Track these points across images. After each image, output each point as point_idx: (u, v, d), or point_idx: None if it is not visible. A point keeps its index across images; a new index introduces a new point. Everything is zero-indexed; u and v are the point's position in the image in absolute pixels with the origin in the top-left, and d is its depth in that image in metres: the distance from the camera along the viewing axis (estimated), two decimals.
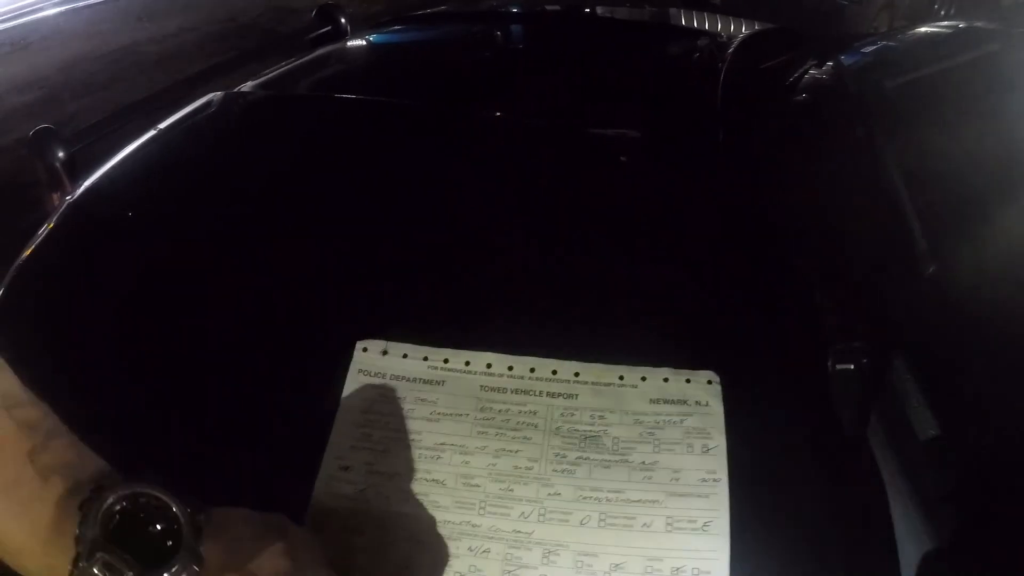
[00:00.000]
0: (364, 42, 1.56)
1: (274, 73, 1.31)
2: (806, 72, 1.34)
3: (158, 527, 0.47)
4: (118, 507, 0.46)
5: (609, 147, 0.98)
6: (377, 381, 0.68)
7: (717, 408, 0.66)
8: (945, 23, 1.71)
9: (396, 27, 1.69)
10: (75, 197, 0.95)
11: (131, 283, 0.81)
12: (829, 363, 0.72)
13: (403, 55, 1.57)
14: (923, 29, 1.72)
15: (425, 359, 0.70)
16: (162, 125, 1.07)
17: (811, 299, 0.79)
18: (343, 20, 1.59)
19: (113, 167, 0.99)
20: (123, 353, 0.74)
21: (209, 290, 0.80)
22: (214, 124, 1.11)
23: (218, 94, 1.15)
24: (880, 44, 1.72)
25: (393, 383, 0.68)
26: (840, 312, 0.78)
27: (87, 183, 0.97)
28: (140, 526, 0.47)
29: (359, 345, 0.71)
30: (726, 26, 1.71)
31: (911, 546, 0.64)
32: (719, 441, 0.64)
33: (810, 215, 0.91)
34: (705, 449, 0.64)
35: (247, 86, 1.23)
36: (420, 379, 0.68)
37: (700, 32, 1.68)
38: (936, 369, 0.73)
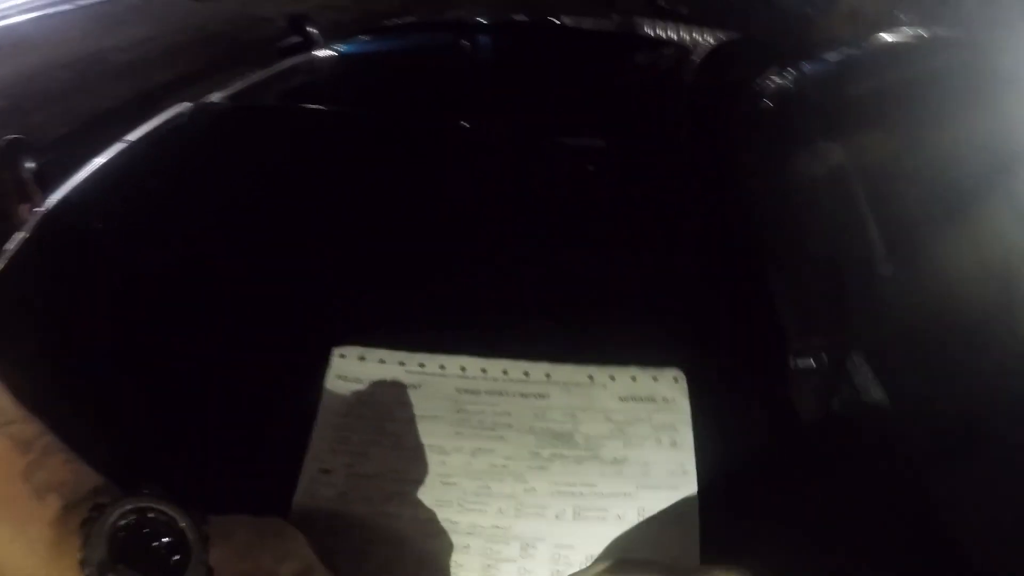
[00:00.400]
0: (334, 53, 1.57)
1: (243, 84, 1.30)
2: (770, 80, 1.37)
3: (163, 540, 0.45)
4: (122, 523, 0.45)
5: (576, 156, 1.01)
6: (355, 386, 0.70)
7: (683, 404, 0.68)
8: (908, 31, 1.76)
9: (365, 38, 1.70)
10: (47, 208, 0.95)
11: (106, 295, 0.82)
12: (789, 359, 0.75)
13: (373, 66, 1.57)
14: (886, 38, 1.76)
15: (401, 364, 0.72)
16: (132, 137, 1.07)
17: (772, 298, 0.82)
18: (313, 30, 1.60)
19: (85, 179, 0.99)
20: (99, 364, 0.75)
21: (185, 300, 0.82)
22: (184, 135, 1.11)
23: (187, 105, 1.15)
24: (843, 53, 1.75)
25: (370, 388, 0.70)
26: (800, 310, 0.81)
27: (59, 194, 0.97)
28: (145, 541, 0.45)
29: (336, 351, 0.73)
30: (692, 36, 1.74)
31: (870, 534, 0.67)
32: (686, 436, 0.67)
33: (773, 218, 0.94)
34: (673, 444, 0.66)
35: (216, 97, 1.23)
36: (397, 383, 0.70)
37: (666, 42, 1.71)
38: (894, 366, 0.76)
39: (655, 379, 0.70)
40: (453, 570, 0.61)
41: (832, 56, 1.61)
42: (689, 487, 0.64)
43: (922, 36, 1.74)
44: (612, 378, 0.70)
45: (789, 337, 0.77)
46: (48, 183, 1.04)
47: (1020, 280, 0.91)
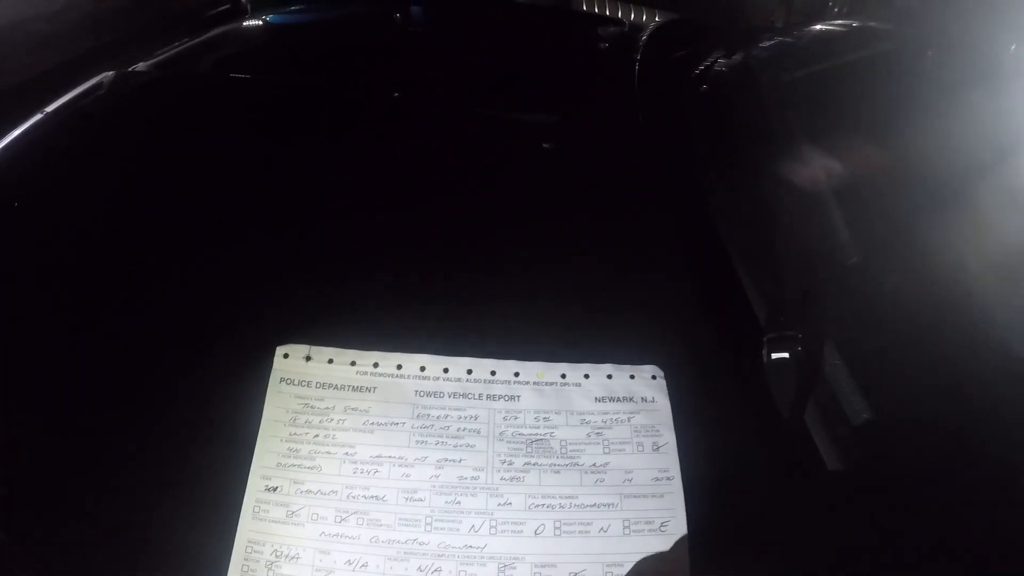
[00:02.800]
0: (263, 21, 1.50)
1: (169, 52, 1.24)
2: (712, 64, 1.35)
3: None
4: None
5: (529, 133, 0.95)
6: (302, 390, 0.63)
7: (664, 404, 0.64)
8: (839, 21, 1.78)
9: (295, 7, 1.63)
10: None
11: (23, 283, 0.73)
12: (764, 352, 0.71)
13: (303, 35, 1.52)
14: (819, 27, 1.77)
15: (353, 364, 0.65)
16: (50, 108, 0.99)
17: (745, 289, 0.78)
18: None
19: (7, 147, 0.91)
20: (15, 362, 0.66)
21: (107, 290, 0.73)
22: (105, 106, 1.03)
23: (109, 74, 1.07)
24: (780, 40, 1.76)
25: (319, 391, 0.63)
26: (773, 303, 0.78)
27: None
28: None
29: (279, 351, 0.66)
30: (627, 14, 1.72)
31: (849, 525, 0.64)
32: (669, 438, 0.62)
33: (735, 208, 0.91)
34: (655, 447, 0.61)
35: (140, 66, 1.16)
36: (349, 386, 0.64)
37: (606, 19, 1.69)
38: (865, 355, 0.74)
39: (632, 377, 0.65)
40: None
41: (768, 43, 1.62)
42: (676, 493, 0.60)
43: (853, 26, 1.76)
44: (587, 376, 0.65)
45: (763, 329, 0.74)
46: None
47: (978, 271, 0.90)
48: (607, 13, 1.68)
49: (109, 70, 1.06)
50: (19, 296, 0.72)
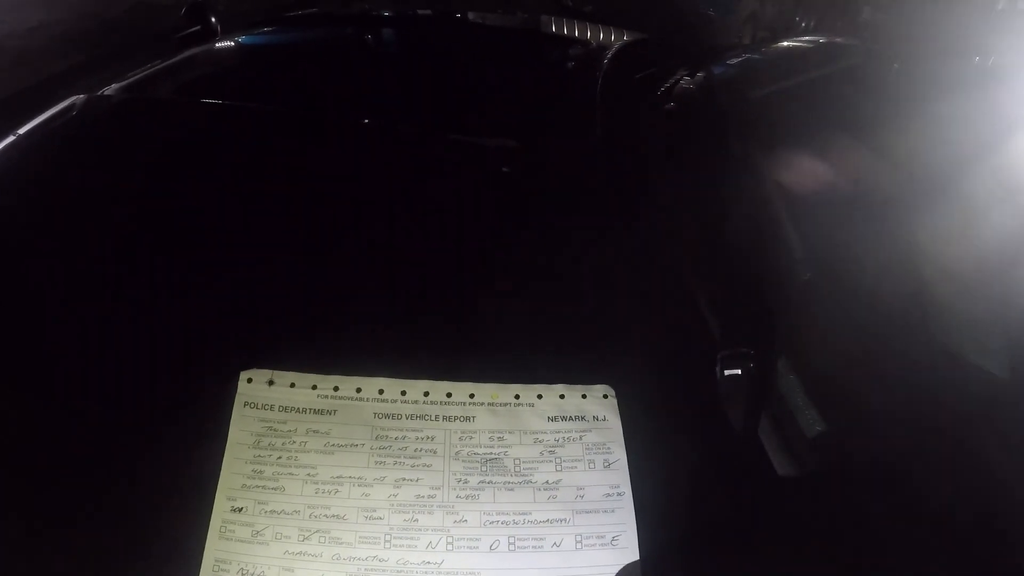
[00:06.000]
0: (234, 43, 1.53)
1: (141, 74, 1.27)
2: (677, 82, 1.39)
3: None
4: None
5: (488, 157, 0.99)
6: (265, 414, 0.67)
7: (615, 422, 0.67)
8: (807, 38, 1.82)
9: (267, 28, 1.66)
10: None
11: None
12: (717, 369, 0.75)
13: (273, 57, 1.55)
14: (786, 43, 1.82)
15: (314, 387, 0.68)
16: (22, 130, 1.02)
17: (698, 307, 0.82)
18: (213, 19, 1.56)
19: None
20: None
21: (72, 314, 0.76)
22: (76, 129, 1.06)
23: (80, 97, 1.10)
24: (746, 57, 1.80)
25: (282, 415, 0.67)
26: (727, 320, 0.81)
27: None
28: None
29: (243, 375, 0.69)
30: (596, 34, 1.76)
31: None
32: (619, 455, 0.66)
33: (690, 224, 0.94)
34: (607, 464, 0.65)
35: (111, 89, 1.19)
36: (310, 409, 0.67)
37: (572, 40, 1.72)
38: (817, 369, 0.77)
39: (584, 396, 0.69)
40: None
41: (736, 60, 1.66)
42: (626, 508, 0.63)
43: (820, 42, 1.81)
44: (540, 397, 0.68)
45: (716, 346, 0.77)
46: None
47: (932, 282, 0.94)
48: (575, 34, 1.72)
49: (81, 90, 1.10)
50: None
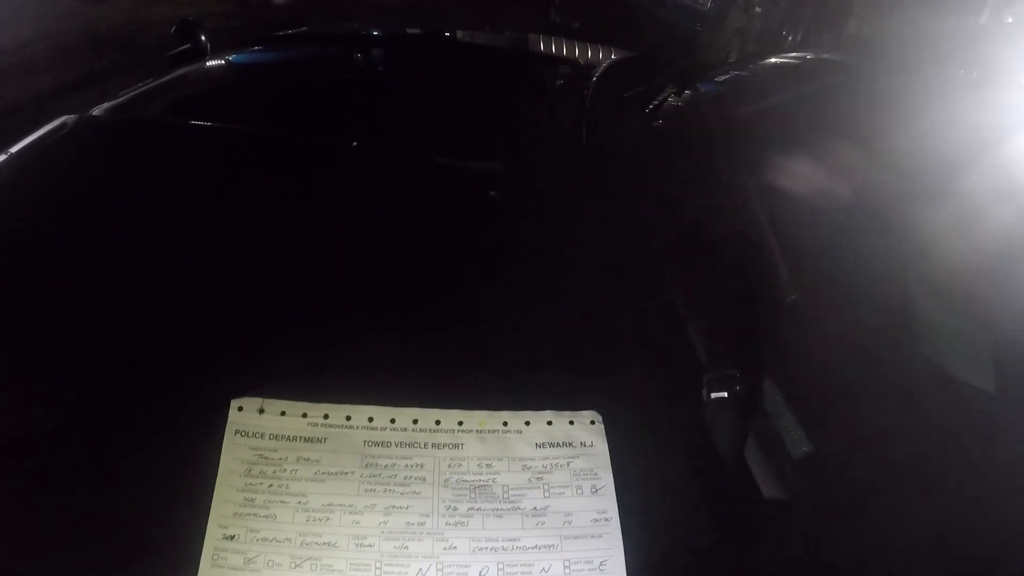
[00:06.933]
0: (224, 62, 1.54)
1: (132, 94, 1.29)
2: (665, 100, 1.41)
3: None
4: None
5: (476, 181, 1.01)
6: (256, 442, 0.68)
7: (602, 448, 0.69)
8: (793, 54, 1.85)
9: (257, 48, 1.67)
10: None
11: None
12: (704, 392, 0.76)
13: (264, 77, 1.56)
14: (773, 60, 1.84)
15: (304, 415, 0.70)
16: (13, 148, 1.04)
17: (684, 331, 0.83)
18: (203, 38, 1.58)
19: None
20: None
21: (63, 336, 0.77)
22: (68, 149, 1.08)
23: (71, 117, 1.11)
24: (733, 74, 1.82)
25: (272, 443, 0.68)
26: (713, 342, 0.83)
27: None
28: None
29: (234, 404, 0.70)
30: (584, 52, 1.79)
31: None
32: (607, 480, 0.67)
33: (677, 245, 0.96)
34: (594, 490, 0.66)
35: (102, 108, 1.21)
36: (301, 437, 0.68)
37: (561, 59, 1.75)
38: (804, 389, 0.79)
39: (572, 423, 0.70)
40: None
41: (723, 77, 1.68)
42: (614, 533, 0.65)
43: (806, 58, 1.84)
44: (527, 423, 0.70)
45: (702, 369, 0.79)
46: None
47: (919, 298, 0.96)
48: (563, 52, 1.75)
49: (72, 107, 1.11)
50: None
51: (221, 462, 0.67)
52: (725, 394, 0.78)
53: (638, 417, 0.73)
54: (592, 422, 0.71)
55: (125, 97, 1.27)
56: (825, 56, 1.86)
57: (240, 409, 0.70)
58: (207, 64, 1.51)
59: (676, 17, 2.54)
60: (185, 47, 1.56)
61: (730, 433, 0.77)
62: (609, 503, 0.66)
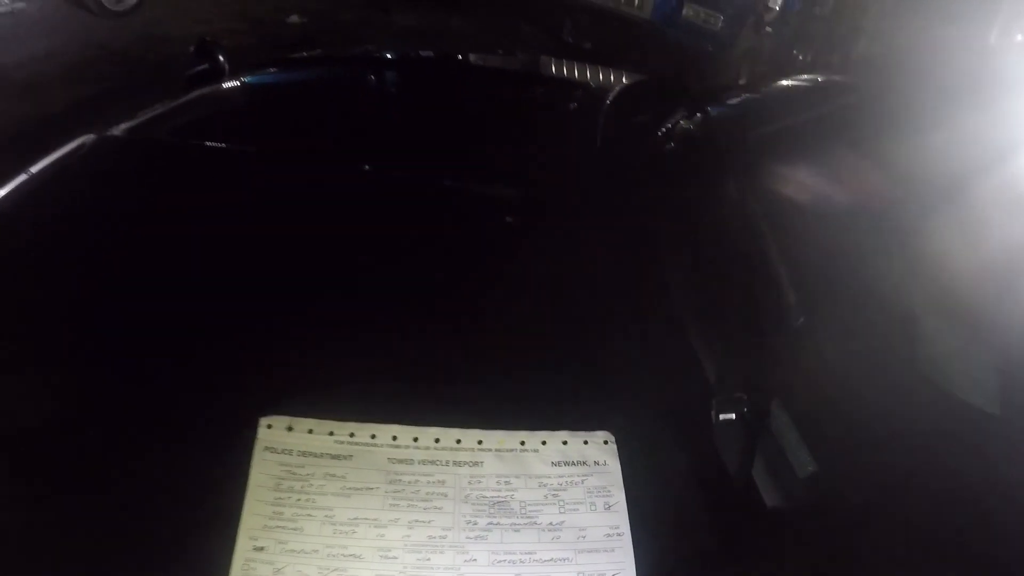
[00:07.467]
0: (241, 84, 1.58)
1: (151, 113, 1.30)
2: (676, 123, 1.45)
3: None
4: None
5: (492, 207, 1.04)
6: (284, 458, 0.72)
7: (615, 467, 0.73)
8: (804, 76, 1.88)
9: (272, 70, 1.72)
10: None
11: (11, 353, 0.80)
12: (713, 413, 0.80)
13: (280, 99, 1.60)
14: (782, 82, 1.86)
15: (331, 434, 0.73)
16: (35, 169, 1.06)
17: (694, 353, 0.87)
18: (221, 58, 1.61)
19: None
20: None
21: (94, 356, 0.81)
22: (87, 170, 1.10)
23: (90, 137, 1.14)
24: (744, 96, 1.85)
25: (300, 459, 0.72)
26: (722, 365, 0.86)
27: None
28: None
29: (263, 422, 0.74)
30: (595, 75, 1.82)
31: None
32: (619, 498, 0.71)
33: (688, 269, 0.99)
34: (607, 506, 0.70)
35: (122, 128, 1.23)
36: (327, 454, 0.72)
37: (574, 83, 1.78)
38: (810, 409, 0.83)
39: (586, 443, 0.74)
40: None
41: (734, 100, 1.71)
42: (626, 548, 0.68)
43: (816, 80, 1.86)
44: (544, 443, 0.74)
45: (712, 391, 0.83)
46: None
47: (922, 317, 0.99)
48: (575, 75, 1.79)
49: (91, 128, 1.13)
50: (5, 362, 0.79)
51: (251, 477, 0.71)
52: (733, 416, 0.81)
53: (649, 437, 0.77)
54: (605, 442, 0.74)
55: (144, 117, 1.28)
56: (835, 78, 1.88)
57: (269, 427, 0.74)
58: (225, 85, 1.55)
59: (687, 38, 2.58)
60: (203, 67, 1.60)
61: (738, 453, 0.80)
62: (621, 519, 0.70)
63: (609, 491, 0.71)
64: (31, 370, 0.80)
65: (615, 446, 0.74)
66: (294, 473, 0.71)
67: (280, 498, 0.70)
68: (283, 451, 0.73)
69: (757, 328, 0.91)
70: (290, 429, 0.74)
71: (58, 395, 0.78)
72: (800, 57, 2.92)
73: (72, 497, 0.70)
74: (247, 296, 0.88)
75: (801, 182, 1.18)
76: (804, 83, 1.82)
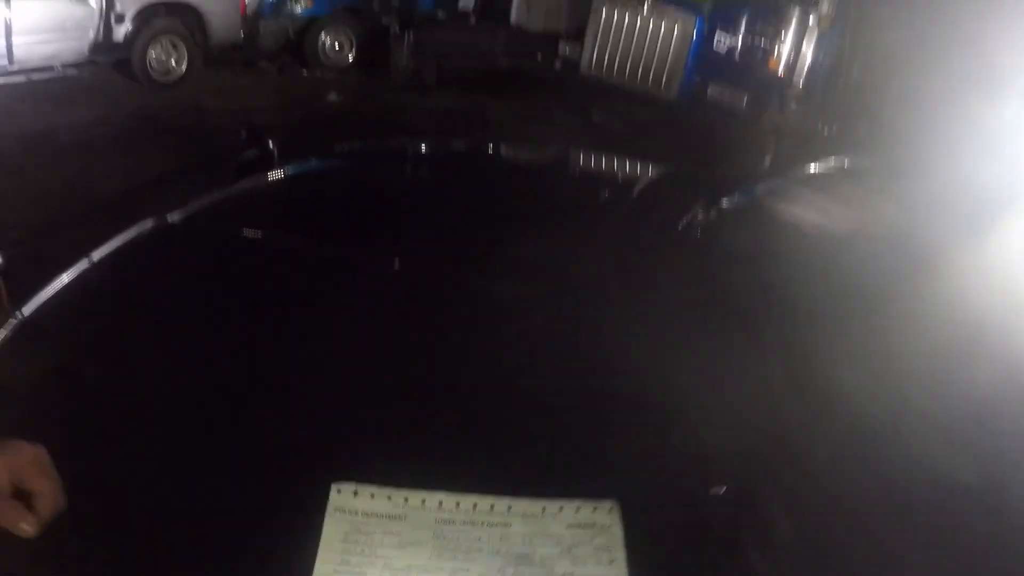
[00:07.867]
0: (290, 175, 1.75)
1: (204, 202, 1.47)
2: (695, 217, 1.60)
3: None
4: None
5: (521, 304, 1.22)
6: (351, 517, 0.90)
7: (617, 529, 0.89)
8: (830, 161, 1.99)
9: (318, 159, 1.91)
10: (25, 316, 1.10)
11: (88, 415, 0.98)
12: (706, 487, 0.96)
13: (325, 189, 1.77)
14: (809, 167, 1.99)
15: (389, 498, 0.91)
16: (96, 254, 1.21)
17: (692, 431, 1.03)
18: (271, 145, 1.76)
19: (57, 292, 1.14)
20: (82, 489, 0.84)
21: (178, 433, 0.99)
22: (147, 257, 1.24)
23: (147, 224, 1.29)
24: (768, 183, 1.99)
25: (364, 518, 0.90)
26: (716, 443, 1.03)
27: (34, 303, 1.12)
28: None
29: (334, 487, 0.92)
30: (622, 166, 1.98)
31: None
32: (620, 554, 0.87)
33: (699, 361, 1.15)
34: (610, 560, 0.87)
35: (177, 215, 1.37)
36: (386, 515, 0.90)
37: (601, 176, 1.93)
38: (799, 494, 0.98)
39: (594, 510, 0.91)
40: None
41: (755, 190, 1.86)
42: None
43: (841, 166, 2.01)
44: (561, 509, 0.91)
45: (705, 464, 0.99)
46: (12, 281, 1.16)
47: (910, 404, 1.15)
48: (603, 168, 1.95)
49: (140, 206, 1.30)
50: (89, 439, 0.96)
51: (324, 532, 0.88)
52: (723, 489, 0.98)
53: (648, 504, 0.93)
54: (611, 509, 0.91)
55: (198, 204, 1.45)
56: (848, 164, 2.03)
57: (339, 492, 0.91)
58: (274, 177, 1.72)
59: (713, 117, 2.76)
60: (254, 153, 1.75)
61: (726, 522, 0.96)
62: (621, 571, 0.86)
63: (612, 549, 0.88)
64: (123, 436, 0.98)
65: (619, 513, 0.90)
66: (359, 529, 0.88)
67: (347, 548, 0.87)
68: (350, 511, 0.90)
69: (749, 407, 1.07)
70: (356, 494, 0.91)
71: (139, 463, 0.95)
72: (825, 131, 3.05)
73: (154, 557, 0.87)
74: (310, 381, 1.07)
75: (805, 276, 1.34)
76: (818, 174, 1.96)
